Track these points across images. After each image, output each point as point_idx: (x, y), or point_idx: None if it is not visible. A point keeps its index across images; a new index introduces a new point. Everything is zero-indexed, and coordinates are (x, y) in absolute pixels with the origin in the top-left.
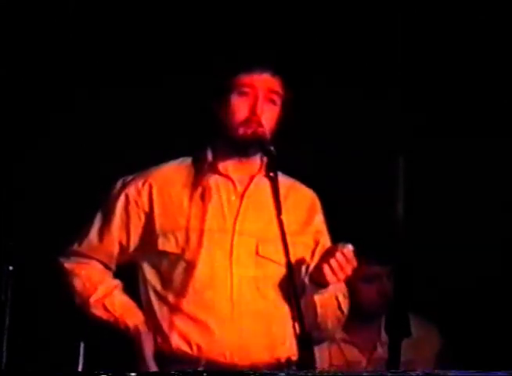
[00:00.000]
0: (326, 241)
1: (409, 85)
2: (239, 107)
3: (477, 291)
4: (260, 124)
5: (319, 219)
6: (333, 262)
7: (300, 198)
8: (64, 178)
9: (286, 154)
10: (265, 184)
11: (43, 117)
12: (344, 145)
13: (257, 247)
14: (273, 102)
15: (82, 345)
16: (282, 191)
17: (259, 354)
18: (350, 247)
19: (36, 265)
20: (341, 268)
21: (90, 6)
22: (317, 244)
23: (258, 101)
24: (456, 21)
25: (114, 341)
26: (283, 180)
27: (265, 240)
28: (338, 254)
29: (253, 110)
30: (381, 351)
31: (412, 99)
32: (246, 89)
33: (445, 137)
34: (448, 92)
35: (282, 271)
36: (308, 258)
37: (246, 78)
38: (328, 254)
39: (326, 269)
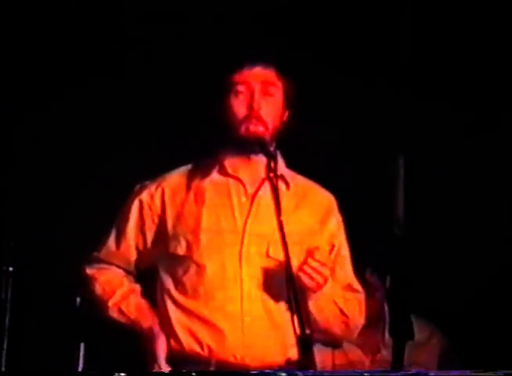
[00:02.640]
0: (341, 245)
1: (410, 85)
2: (237, 107)
3: (478, 292)
4: (260, 119)
5: (335, 222)
6: (306, 268)
7: (316, 201)
8: (65, 180)
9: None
10: (273, 186)
11: (50, 119)
12: (345, 145)
13: (267, 248)
14: (270, 94)
15: (82, 345)
16: (299, 193)
17: (270, 355)
18: (321, 249)
19: (36, 266)
20: (316, 272)
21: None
22: (332, 247)
23: (254, 96)
24: (459, 23)
25: (115, 343)
26: (301, 182)
27: (276, 241)
28: (309, 260)
29: (250, 106)
30: (385, 353)
31: (413, 99)
32: (241, 87)
33: (446, 138)
34: (450, 93)
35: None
36: (321, 261)
37: (238, 76)
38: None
39: (302, 277)
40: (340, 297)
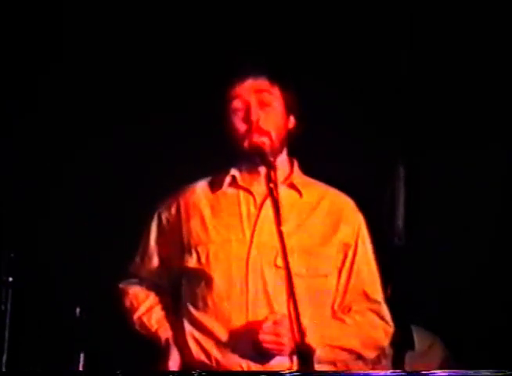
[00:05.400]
0: (357, 252)
1: (411, 94)
2: (237, 122)
3: (479, 301)
4: (261, 131)
5: (348, 230)
6: (265, 337)
7: (329, 208)
8: (64, 190)
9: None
10: (285, 194)
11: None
12: (344, 153)
13: (275, 257)
14: (267, 103)
15: (82, 355)
16: (312, 201)
17: (276, 364)
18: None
19: (36, 277)
20: (273, 343)
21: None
22: (345, 256)
23: (251, 108)
24: (460, 35)
25: (115, 352)
26: (317, 189)
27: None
28: (260, 336)
29: (248, 120)
30: (385, 363)
31: (414, 109)
32: (236, 102)
33: (446, 147)
34: (450, 103)
35: (301, 282)
36: (331, 268)
37: (232, 91)
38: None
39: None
40: (343, 339)
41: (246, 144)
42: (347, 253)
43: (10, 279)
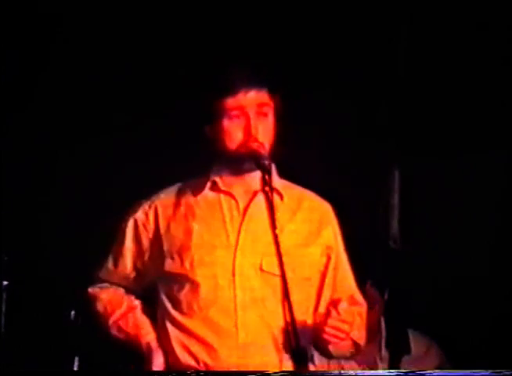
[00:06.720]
0: (339, 255)
1: (407, 98)
2: (234, 132)
3: (475, 304)
4: (256, 141)
5: (330, 233)
6: (328, 329)
7: (310, 211)
8: (59, 194)
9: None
10: (268, 199)
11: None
12: (341, 159)
13: (261, 262)
14: (265, 115)
15: (76, 359)
16: (293, 204)
17: (266, 367)
18: (343, 305)
19: (30, 280)
20: (338, 330)
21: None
22: (328, 259)
23: (251, 121)
24: (456, 41)
25: (109, 356)
26: (296, 192)
27: (270, 254)
28: (329, 320)
29: (248, 132)
30: (381, 367)
31: (409, 111)
32: (236, 112)
33: (441, 151)
34: (446, 106)
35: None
36: (314, 271)
37: (232, 101)
38: (324, 319)
39: (326, 336)
40: (355, 332)
41: (242, 150)
42: (330, 256)
43: (5, 282)
